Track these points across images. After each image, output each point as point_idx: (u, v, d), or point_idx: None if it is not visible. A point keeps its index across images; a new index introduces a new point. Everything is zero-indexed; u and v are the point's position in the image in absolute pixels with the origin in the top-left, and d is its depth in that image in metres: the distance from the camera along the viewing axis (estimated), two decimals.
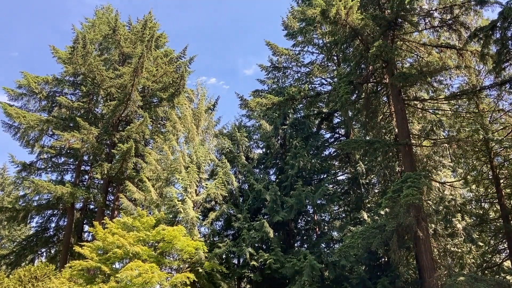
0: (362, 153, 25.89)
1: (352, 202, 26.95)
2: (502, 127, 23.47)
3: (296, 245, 27.10)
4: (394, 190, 18.36)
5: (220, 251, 22.90)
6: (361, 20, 21.04)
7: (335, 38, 23.33)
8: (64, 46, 32.81)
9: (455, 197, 21.94)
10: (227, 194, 25.67)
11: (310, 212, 27.57)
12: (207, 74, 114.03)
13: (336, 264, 23.08)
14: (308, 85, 30.92)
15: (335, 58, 30.36)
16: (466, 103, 23.08)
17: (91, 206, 32.92)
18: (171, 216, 23.66)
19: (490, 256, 25.09)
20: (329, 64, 32.01)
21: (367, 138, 24.96)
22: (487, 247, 25.33)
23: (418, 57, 22.94)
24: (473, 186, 25.47)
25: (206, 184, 25.76)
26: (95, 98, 32.89)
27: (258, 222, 23.61)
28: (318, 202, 26.06)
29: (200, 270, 22.05)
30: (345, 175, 29.63)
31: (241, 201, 26.41)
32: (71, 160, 31.95)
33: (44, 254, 32.38)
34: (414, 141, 22.55)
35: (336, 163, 30.36)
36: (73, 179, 31.08)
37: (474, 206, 25.27)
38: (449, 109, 23.31)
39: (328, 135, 31.48)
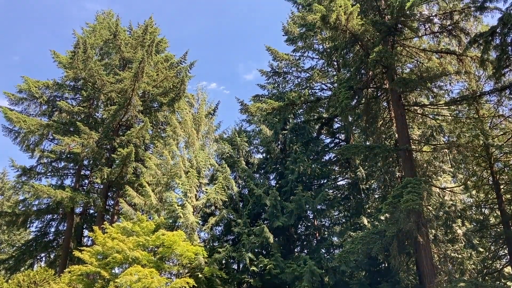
0: (362, 158, 25.90)
1: (352, 208, 26.92)
2: (502, 133, 23.46)
3: (296, 250, 27.04)
4: (394, 195, 18.36)
5: (219, 256, 22.84)
6: (361, 25, 21.11)
7: (335, 44, 23.40)
8: (65, 51, 32.93)
9: (455, 203, 21.92)
10: (227, 199, 25.64)
11: (310, 217, 27.52)
12: (207, 79, 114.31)
13: (336, 269, 23.02)
14: (308, 90, 30.96)
15: (335, 63, 30.43)
16: (466, 109, 23.08)
17: (91, 211, 32.87)
18: (170, 221, 23.62)
19: (490, 262, 25.01)
20: (329, 70, 32.08)
21: (367, 143, 25.00)
22: (487, 253, 25.26)
23: (418, 62, 22.98)
24: (473, 192, 25.41)
25: (206, 189, 25.74)
26: (95, 103, 32.93)
27: (258, 227, 23.56)
28: (318, 207, 26.03)
29: (200, 275, 21.98)
30: (345, 180, 29.62)
31: (241, 206, 26.38)
32: (71, 164, 31.94)
33: (44, 259, 32.30)
34: (414, 147, 22.54)
35: (336, 168, 30.33)
36: (73, 184, 31.04)
37: (474, 212, 25.21)
38: (449, 115, 23.32)
39: (328, 140, 31.51)
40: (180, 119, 29.62)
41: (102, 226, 23.18)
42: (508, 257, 23.04)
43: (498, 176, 23.45)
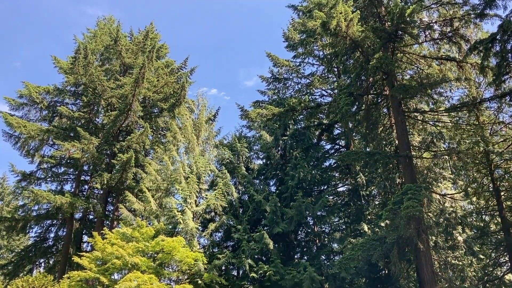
0: (362, 164, 25.90)
1: (353, 214, 26.85)
2: (502, 140, 23.48)
3: (296, 256, 26.94)
4: (395, 202, 18.34)
5: (219, 263, 22.76)
6: (362, 32, 21.19)
7: (336, 50, 23.48)
8: (66, 56, 32.98)
9: (456, 209, 21.91)
10: (227, 205, 25.58)
11: (310, 223, 27.45)
12: (208, 85, 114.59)
13: (336, 276, 22.91)
14: (309, 96, 30.98)
15: (336, 69, 30.49)
16: (466, 115, 23.12)
17: (91, 216, 32.81)
18: (170, 226, 23.56)
19: (491, 269, 24.95)
20: (330, 76, 32.15)
21: (368, 149, 24.99)
22: (488, 260, 25.20)
23: (418, 69, 23.03)
24: (474, 199, 25.40)
25: (206, 195, 25.69)
26: (95, 108, 32.94)
27: (258, 233, 23.49)
28: (318, 213, 25.96)
29: (199, 281, 21.89)
30: (346, 186, 29.58)
31: (241, 212, 26.31)
32: (71, 170, 31.90)
33: (43, 264, 32.20)
34: (414, 153, 22.55)
35: (336, 175, 30.31)
36: (72, 189, 30.99)
37: (474, 219, 25.19)
38: (449, 121, 23.34)
39: (328, 146, 31.50)
40: (180, 124, 29.62)
41: (102, 231, 23.12)
42: (509, 264, 22.97)
43: (498, 182, 23.45)
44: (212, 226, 24.65)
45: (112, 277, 20.56)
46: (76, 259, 21.01)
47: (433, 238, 21.74)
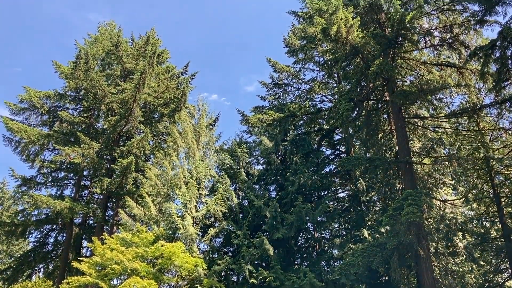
0: (362, 170, 25.87)
1: (353, 220, 26.78)
2: (502, 146, 23.50)
3: (296, 262, 26.84)
4: (395, 208, 18.32)
5: (219, 268, 22.69)
6: (362, 38, 21.25)
7: (336, 56, 23.53)
8: (67, 61, 33.03)
9: (456, 216, 21.86)
10: (227, 211, 25.53)
11: (311, 229, 27.38)
12: (208, 90, 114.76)
13: (336, 282, 22.81)
14: (309, 102, 31.04)
15: (336, 75, 30.53)
16: (466, 121, 23.15)
17: (90, 221, 32.72)
18: (170, 232, 23.51)
19: (491, 276, 24.87)
20: (330, 81, 32.20)
21: (368, 155, 24.99)
22: (488, 267, 25.12)
23: (419, 75, 23.08)
24: (474, 205, 25.36)
25: (206, 200, 25.65)
26: (96, 113, 32.97)
27: (258, 239, 23.43)
28: (319, 219, 25.90)
29: (199, 287, 21.82)
30: (346, 192, 29.53)
31: (241, 217, 26.26)
32: (71, 175, 31.86)
33: (42, 269, 32.07)
34: (414, 159, 22.54)
35: (336, 180, 30.28)
36: (72, 194, 30.96)
37: (475, 225, 25.13)
38: (449, 127, 23.37)
39: (328, 152, 31.46)
40: (180, 129, 29.64)
41: (101, 236, 23.09)
42: (510, 271, 22.90)
43: (498, 189, 23.43)
44: (212, 231, 24.59)
45: (112, 282, 20.51)
46: (75, 264, 20.95)
47: (434, 244, 21.68)
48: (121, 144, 30.99)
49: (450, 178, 23.62)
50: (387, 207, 22.90)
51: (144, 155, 30.94)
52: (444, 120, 22.84)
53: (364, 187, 25.89)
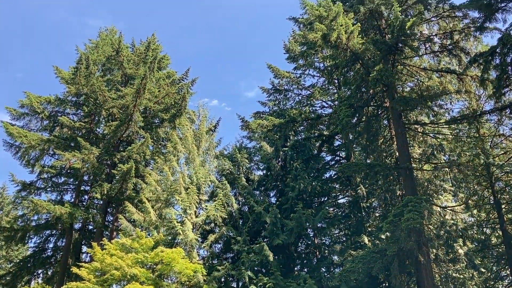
0: (363, 176, 25.84)
1: (353, 226, 26.74)
2: (503, 152, 23.50)
3: (296, 269, 26.77)
4: (395, 214, 18.28)
5: (219, 274, 22.62)
6: (362, 44, 21.32)
7: (336, 62, 23.58)
8: (68, 67, 33.08)
9: (456, 222, 21.82)
10: (226, 216, 25.49)
11: (311, 235, 27.32)
12: (209, 96, 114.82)
13: None
14: (309, 107, 31.09)
15: (336, 81, 30.59)
16: (466, 128, 23.17)
17: (90, 227, 32.61)
18: (170, 237, 23.46)
19: (492, 283, 24.78)
20: (330, 87, 32.26)
21: (368, 161, 24.98)
22: (489, 274, 25.03)
23: (419, 81, 23.12)
24: (475, 211, 25.31)
25: (206, 206, 25.61)
26: (96, 118, 32.98)
27: (257, 245, 23.38)
28: (319, 225, 25.87)
29: None
30: (346, 198, 29.48)
31: (240, 223, 26.21)
32: (71, 180, 31.83)
33: (41, 275, 31.92)
34: (415, 165, 22.52)
35: (336, 186, 30.23)
36: (72, 199, 30.88)
37: (475, 231, 25.07)
38: (449, 134, 23.38)
39: (328, 158, 31.46)
40: (181, 135, 29.61)
41: (101, 242, 23.02)
42: (510, 278, 22.83)
43: (499, 195, 23.40)
44: (211, 237, 24.54)
45: None
46: (75, 269, 20.87)
47: (434, 250, 21.63)
48: (121, 149, 30.97)
49: (451, 185, 23.60)
50: (387, 213, 22.86)
51: (144, 160, 30.90)
52: (444, 126, 22.85)
53: (364, 193, 25.86)
